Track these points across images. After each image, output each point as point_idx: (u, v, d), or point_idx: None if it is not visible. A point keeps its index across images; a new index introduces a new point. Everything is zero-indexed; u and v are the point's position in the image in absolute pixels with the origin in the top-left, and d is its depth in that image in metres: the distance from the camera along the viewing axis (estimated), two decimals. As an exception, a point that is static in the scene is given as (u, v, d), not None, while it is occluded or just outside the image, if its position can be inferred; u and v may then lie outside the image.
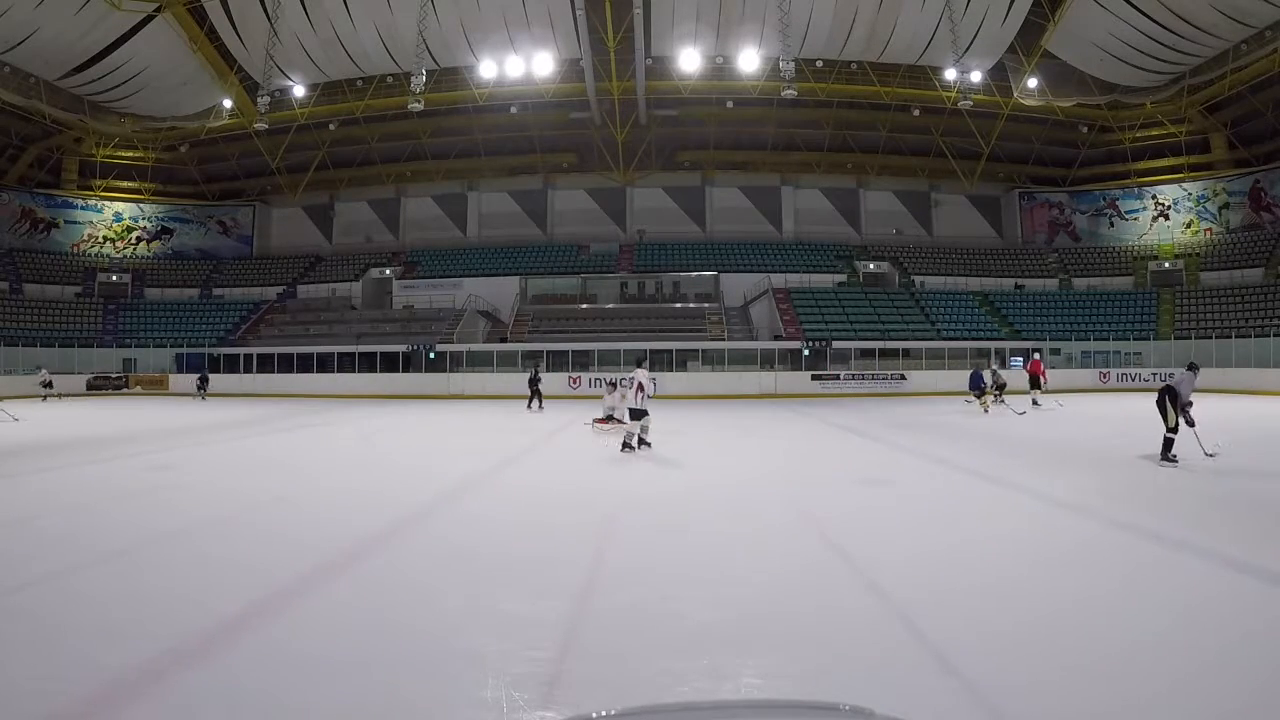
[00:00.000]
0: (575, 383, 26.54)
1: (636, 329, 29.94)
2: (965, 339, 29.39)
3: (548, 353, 28.44)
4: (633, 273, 35.83)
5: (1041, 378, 19.46)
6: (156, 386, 29.20)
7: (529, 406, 19.73)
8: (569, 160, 38.78)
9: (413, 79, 29.64)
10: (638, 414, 10.25)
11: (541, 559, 4.81)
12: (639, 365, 11.03)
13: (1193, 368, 9.28)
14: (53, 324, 32.79)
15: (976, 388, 17.98)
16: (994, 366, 22.13)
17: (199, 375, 26.75)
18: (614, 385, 14.12)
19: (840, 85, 33.23)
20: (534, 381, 20.39)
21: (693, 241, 37.89)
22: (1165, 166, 37.17)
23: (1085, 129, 37.09)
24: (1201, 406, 9.40)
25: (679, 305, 33.57)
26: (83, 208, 38.44)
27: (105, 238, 38.69)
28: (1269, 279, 31.47)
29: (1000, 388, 19.74)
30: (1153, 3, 27.03)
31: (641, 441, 10.30)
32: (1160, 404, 8.77)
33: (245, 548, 5.16)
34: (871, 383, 27.16)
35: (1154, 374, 27.79)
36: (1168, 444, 8.62)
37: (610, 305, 34.09)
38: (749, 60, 31.33)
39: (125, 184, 39.33)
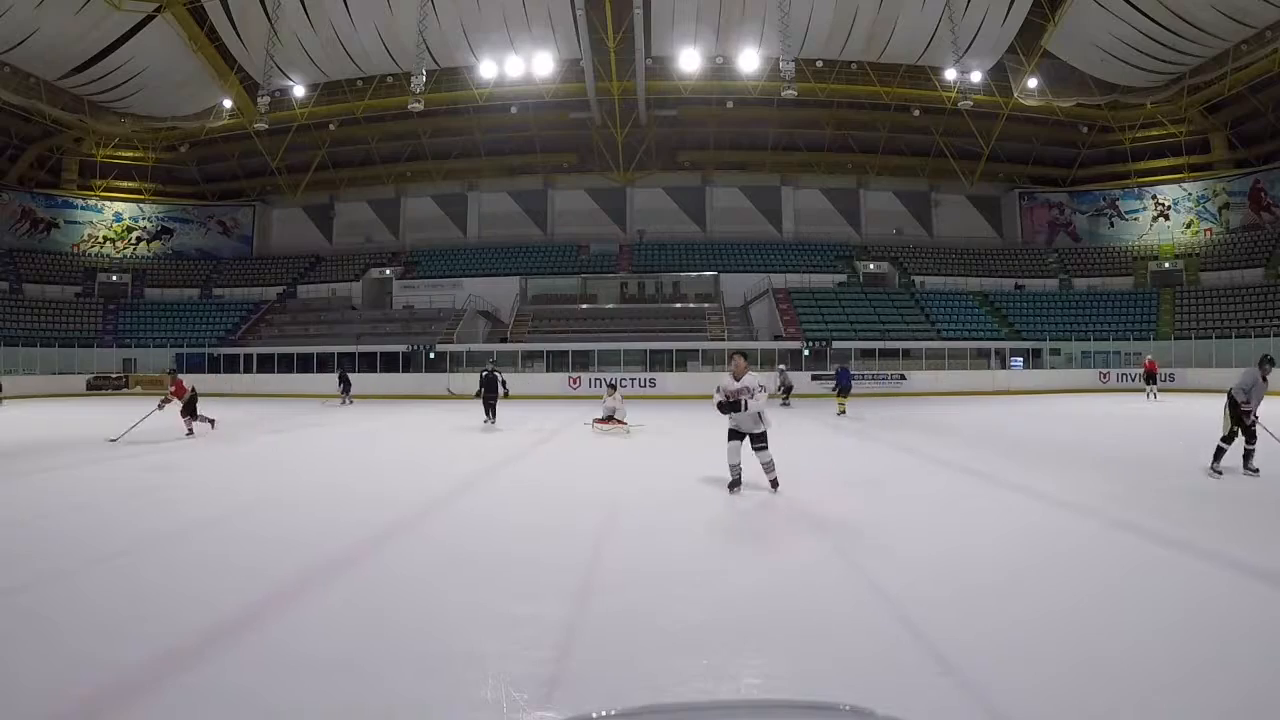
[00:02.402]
0: (575, 383, 26.54)
1: (636, 329, 29.95)
2: (965, 339, 29.43)
3: (548, 353, 28.46)
4: (633, 273, 35.83)
5: (1155, 375, 22.63)
6: (157, 387, 29.15)
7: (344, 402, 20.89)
8: (569, 160, 38.79)
9: (413, 79, 29.64)
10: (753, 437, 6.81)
11: (541, 559, 4.81)
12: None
13: (1266, 363, 7.80)
14: (53, 324, 32.78)
15: (842, 385, 17.54)
16: (781, 366, 22.37)
17: (340, 374, 23.26)
18: (613, 386, 14.34)
19: (840, 85, 33.25)
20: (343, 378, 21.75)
21: (693, 241, 37.90)
22: (1165, 166, 37.19)
23: (1085, 129, 37.11)
24: (1203, 405, 9.28)
25: (679, 305, 33.59)
26: (83, 208, 38.44)
27: (105, 238, 38.69)
28: (1269, 279, 31.48)
29: (787, 390, 19.97)
30: (1153, 3, 27.04)
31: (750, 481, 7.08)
32: (1231, 407, 7.71)
33: (245, 548, 5.15)
34: (871, 383, 27.17)
35: (1154, 374, 27.80)
36: (1218, 453, 7.71)
37: (610, 305, 34.10)
38: (749, 60, 31.36)
39: (125, 184, 39.34)
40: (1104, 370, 28.49)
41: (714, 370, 28.10)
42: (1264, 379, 7.69)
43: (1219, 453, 7.72)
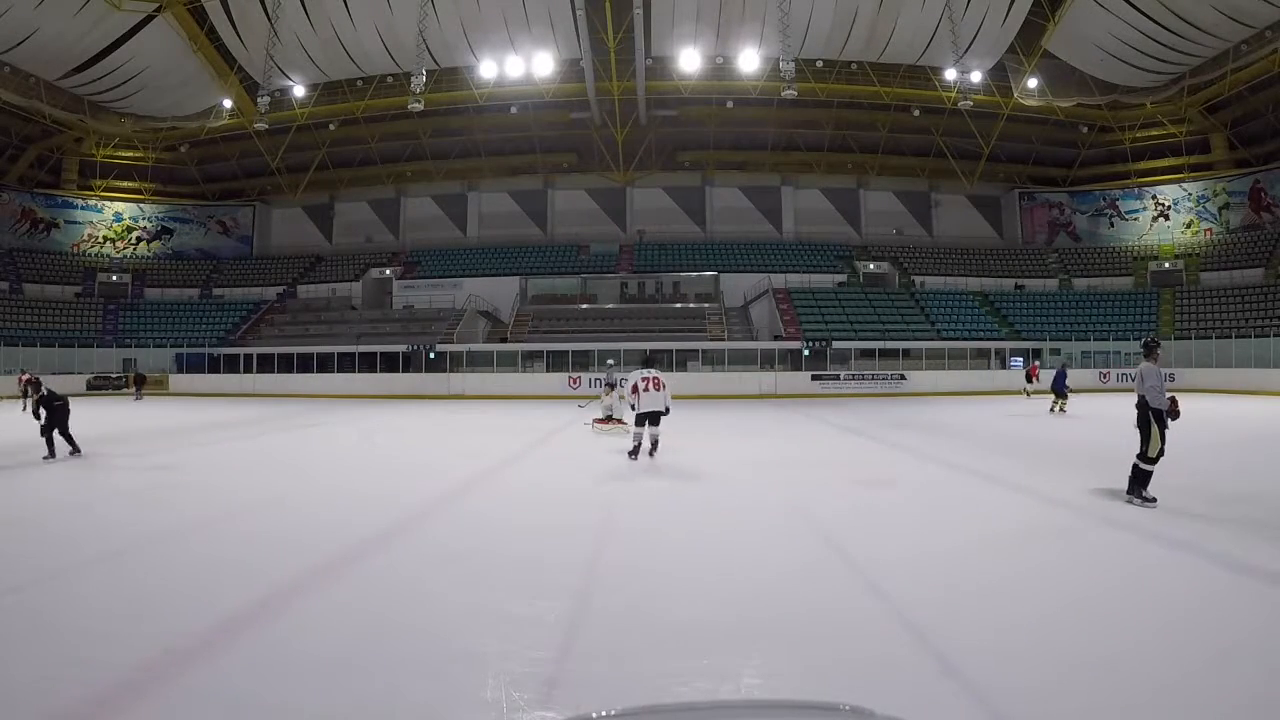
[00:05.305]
0: (575, 383, 26.53)
1: (636, 329, 29.93)
2: (965, 339, 29.41)
3: (548, 353, 28.44)
4: (633, 273, 35.82)
5: (1034, 378, 22.35)
6: (156, 387, 29.18)
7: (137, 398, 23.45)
8: (569, 160, 38.79)
9: (413, 79, 29.63)
10: (645, 418, 9.58)
11: (541, 559, 4.81)
12: (646, 365, 10.39)
13: (1150, 350, 6.53)
14: (53, 324, 32.77)
15: (1060, 388, 17.68)
16: (610, 362, 22.38)
17: (135, 375, 27.07)
18: (610, 385, 14.37)
19: (840, 85, 33.23)
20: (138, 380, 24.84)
21: (693, 241, 37.90)
22: (1165, 167, 37.18)
23: (1085, 129, 37.09)
24: (1202, 406, 9.18)
25: (679, 305, 33.56)
26: (83, 208, 38.43)
27: (105, 238, 38.68)
28: (1269, 279, 31.48)
29: (610, 386, 20.13)
30: (1153, 3, 27.03)
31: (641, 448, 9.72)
32: (1141, 422, 6.30)
33: (244, 548, 5.15)
34: (871, 383, 27.16)
35: (1154, 374, 27.79)
36: (1138, 476, 6.30)
37: (610, 305, 34.08)
38: (749, 60, 31.33)
39: (125, 184, 39.33)
40: (1104, 370, 28.46)
41: (714, 370, 28.12)
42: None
43: (1139, 476, 6.33)
